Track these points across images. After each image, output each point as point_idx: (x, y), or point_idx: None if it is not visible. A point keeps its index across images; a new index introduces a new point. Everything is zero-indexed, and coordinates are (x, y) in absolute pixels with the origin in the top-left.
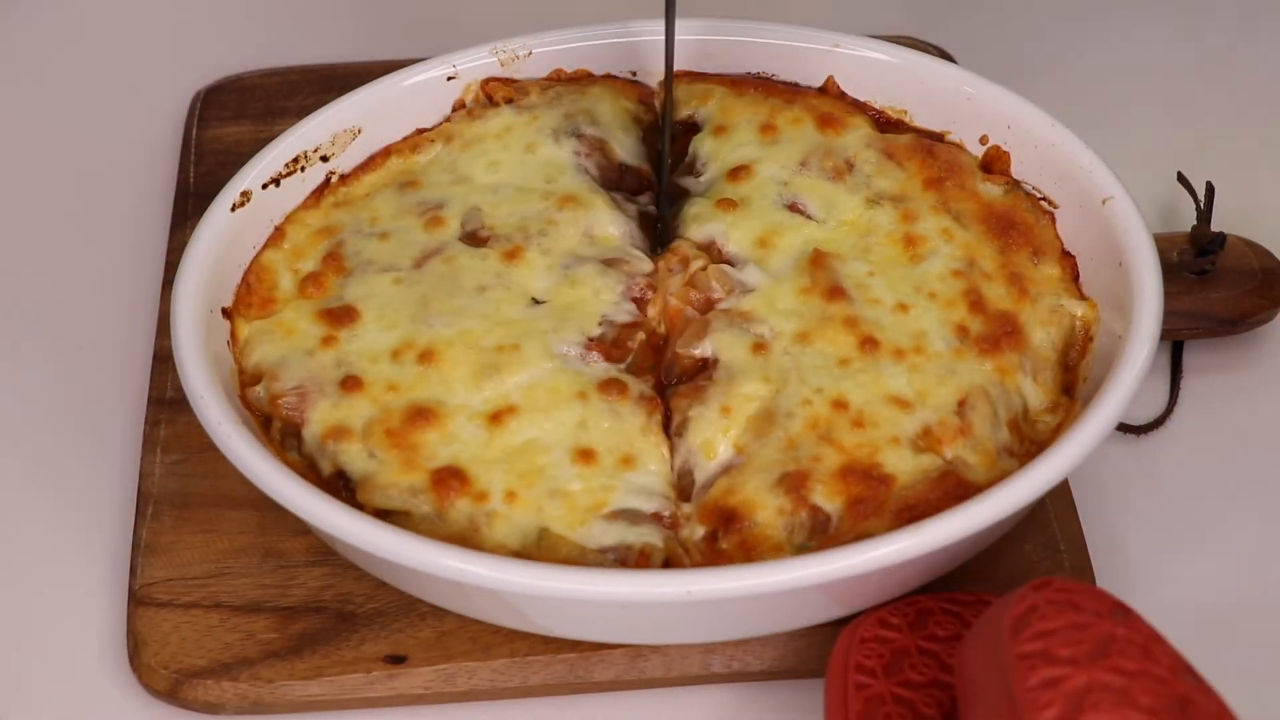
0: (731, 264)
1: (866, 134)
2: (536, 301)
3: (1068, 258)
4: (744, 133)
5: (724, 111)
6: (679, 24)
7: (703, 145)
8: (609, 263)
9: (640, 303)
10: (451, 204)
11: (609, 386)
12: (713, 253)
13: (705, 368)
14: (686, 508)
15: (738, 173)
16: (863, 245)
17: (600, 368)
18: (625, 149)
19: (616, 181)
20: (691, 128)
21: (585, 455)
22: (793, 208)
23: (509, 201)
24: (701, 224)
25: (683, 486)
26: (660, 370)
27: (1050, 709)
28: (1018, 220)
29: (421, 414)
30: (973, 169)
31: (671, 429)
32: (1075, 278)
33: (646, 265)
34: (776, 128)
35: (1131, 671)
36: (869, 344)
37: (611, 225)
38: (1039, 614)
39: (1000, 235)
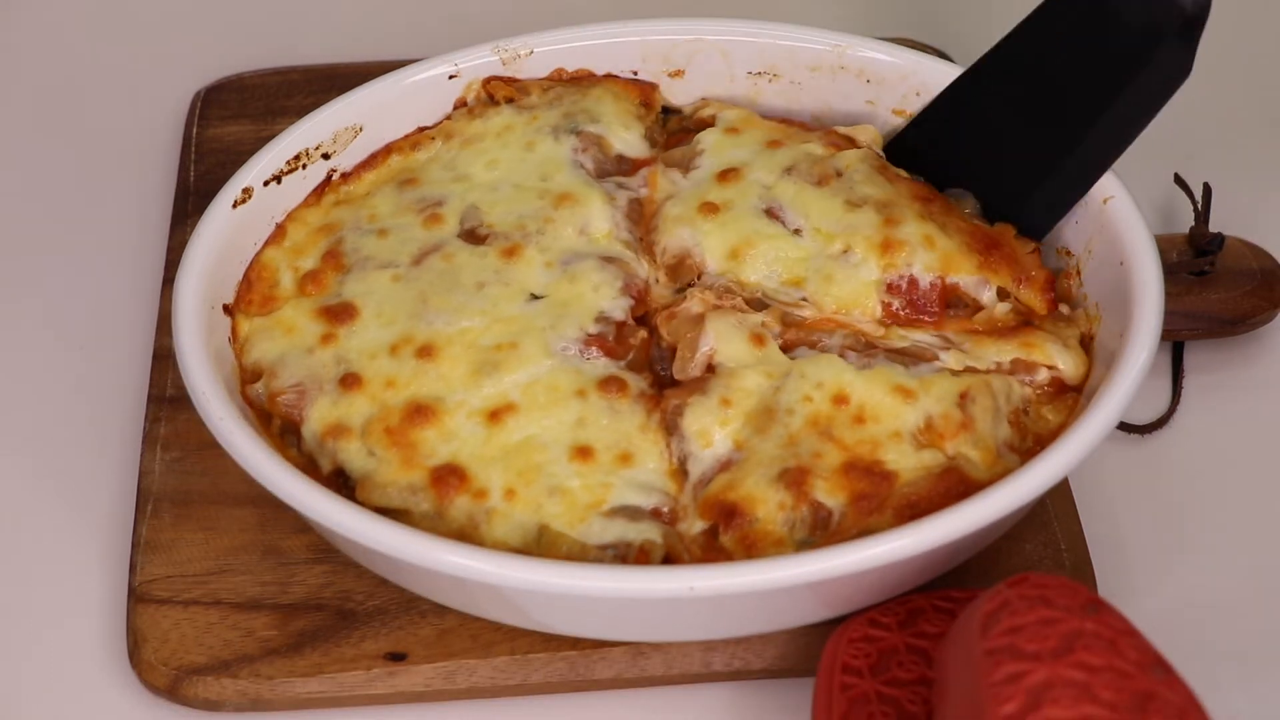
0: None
1: (867, 153)
2: (535, 297)
3: (1050, 290)
4: (752, 138)
5: (744, 121)
6: (677, 23)
7: (708, 138)
8: (607, 260)
9: (639, 300)
10: (450, 201)
11: (608, 384)
12: (687, 264)
13: (711, 366)
14: (684, 499)
15: (726, 175)
16: (824, 271)
17: (600, 364)
18: (626, 144)
19: (614, 171)
20: (702, 125)
21: (583, 453)
22: (770, 213)
23: (507, 200)
24: (679, 226)
25: (679, 480)
26: (657, 363)
27: (1010, 704)
28: (1003, 243)
29: (420, 411)
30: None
31: (666, 420)
32: (1053, 309)
33: (642, 269)
34: (783, 143)
35: (1095, 666)
36: (868, 345)
37: (603, 219)
38: (1010, 609)
39: (983, 251)
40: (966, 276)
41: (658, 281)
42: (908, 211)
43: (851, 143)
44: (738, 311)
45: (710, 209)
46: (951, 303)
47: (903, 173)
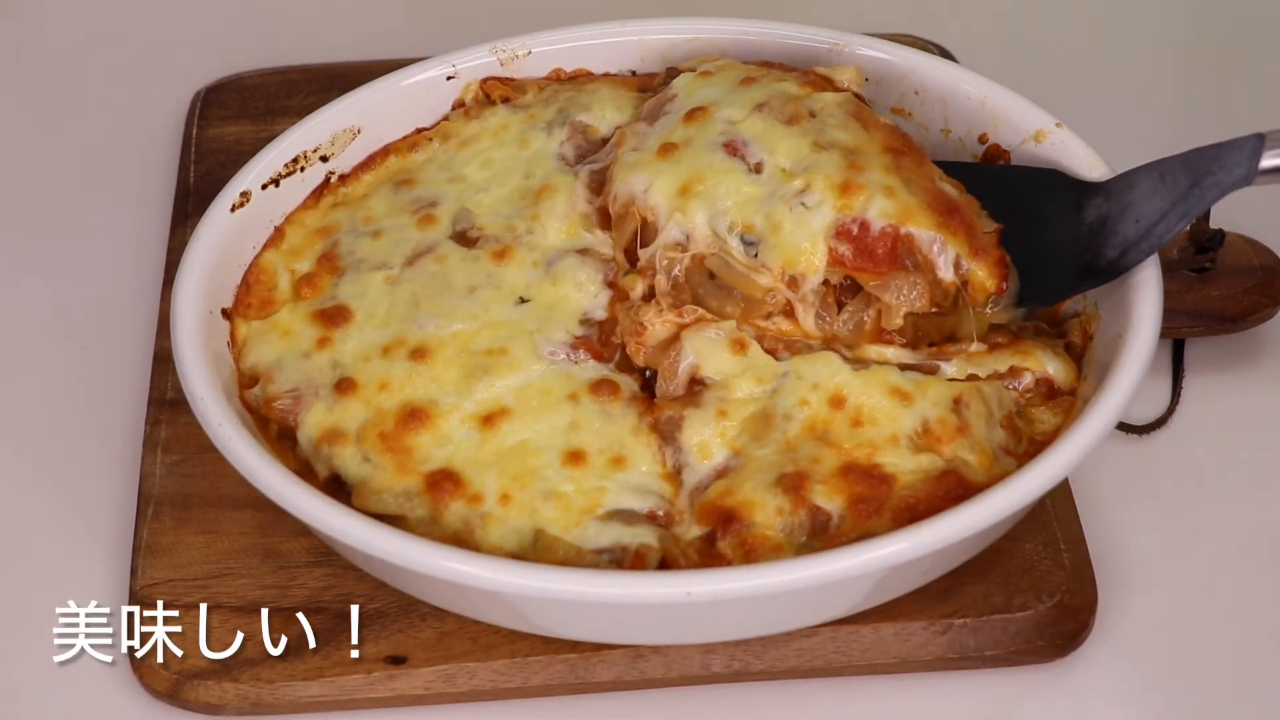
0: (654, 229)
1: (845, 98)
2: (524, 300)
3: (1002, 268)
4: (725, 78)
5: (721, 68)
6: (676, 22)
7: (681, 81)
8: (582, 252)
9: (616, 288)
10: (445, 202)
11: (600, 387)
12: (632, 211)
13: (696, 379)
14: (680, 504)
15: (693, 114)
16: (774, 217)
17: (590, 367)
18: (611, 127)
19: (593, 152)
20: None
21: (575, 457)
22: (729, 147)
23: (496, 200)
24: (633, 172)
25: (673, 482)
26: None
27: None
28: (964, 212)
29: (414, 415)
30: (934, 167)
31: (660, 428)
32: (1000, 291)
33: (605, 249)
34: (756, 80)
35: None
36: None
37: (568, 201)
38: None
39: (943, 213)
40: (923, 231)
41: (614, 260)
42: (875, 161)
43: (830, 84)
44: (705, 323)
45: (668, 149)
46: (901, 260)
47: (882, 119)
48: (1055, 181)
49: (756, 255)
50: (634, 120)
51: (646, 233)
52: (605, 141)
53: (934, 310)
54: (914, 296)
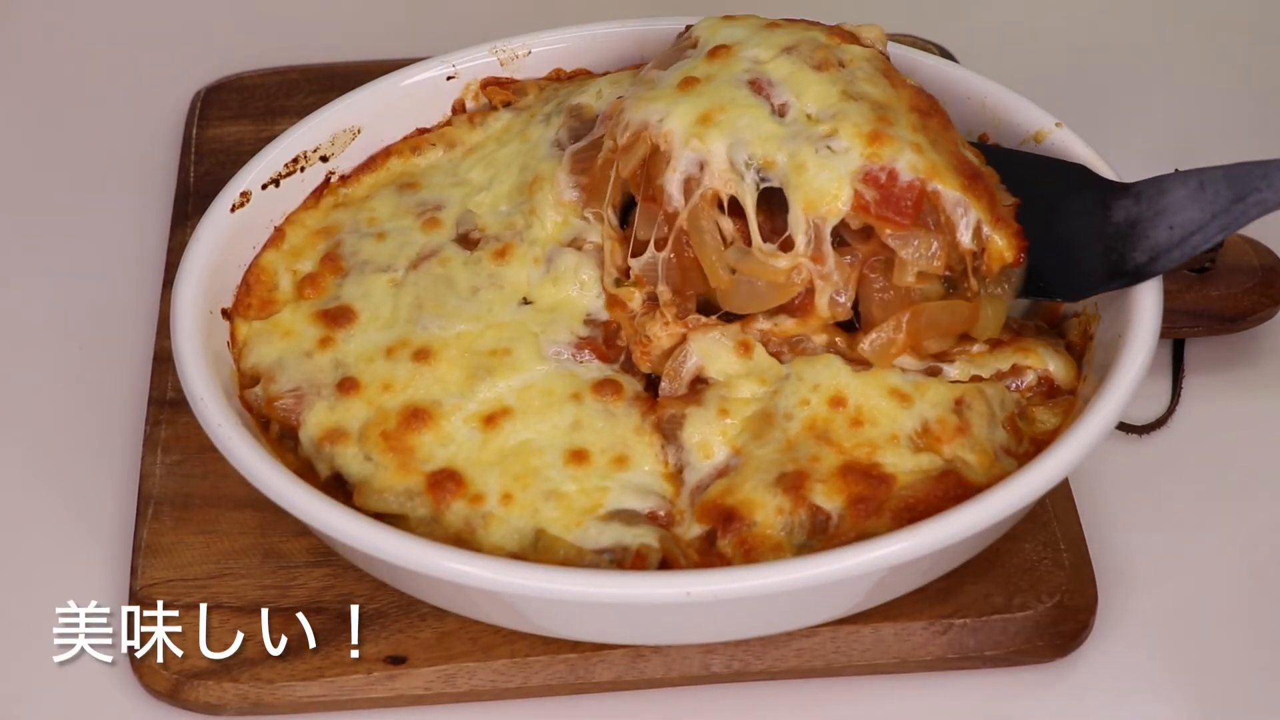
0: (667, 161)
1: (873, 54)
2: (527, 302)
3: (1021, 240)
4: (750, 22)
5: (745, 15)
6: (677, 21)
7: (704, 24)
8: (578, 244)
9: (611, 295)
10: (450, 206)
11: (603, 387)
12: (643, 137)
13: (699, 379)
14: (681, 503)
15: (717, 51)
16: (798, 157)
17: (594, 367)
18: (607, 103)
19: (587, 131)
20: None
21: (578, 456)
22: (754, 85)
23: (498, 199)
24: (648, 104)
25: (675, 483)
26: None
27: None
28: (986, 179)
29: (417, 415)
30: (958, 134)
31: (663, 427)
32: (1018, 263)
33: (594, 233)
34: (781, 25)
35: None
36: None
37: (554, 187)
38: None
39: (968, 177)
40: (949, 190)
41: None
42: (903, 119)
43: (856, 39)
44: (710, 326)
45: (689, 83)
46: (924, 217)
47: (908, 79)
48: (1079, 177)
49: (779, 199)
50: (645, 72)
51: (655, 163)
52: (599, 117)
53: (946, 274)
54: (931, 255)
